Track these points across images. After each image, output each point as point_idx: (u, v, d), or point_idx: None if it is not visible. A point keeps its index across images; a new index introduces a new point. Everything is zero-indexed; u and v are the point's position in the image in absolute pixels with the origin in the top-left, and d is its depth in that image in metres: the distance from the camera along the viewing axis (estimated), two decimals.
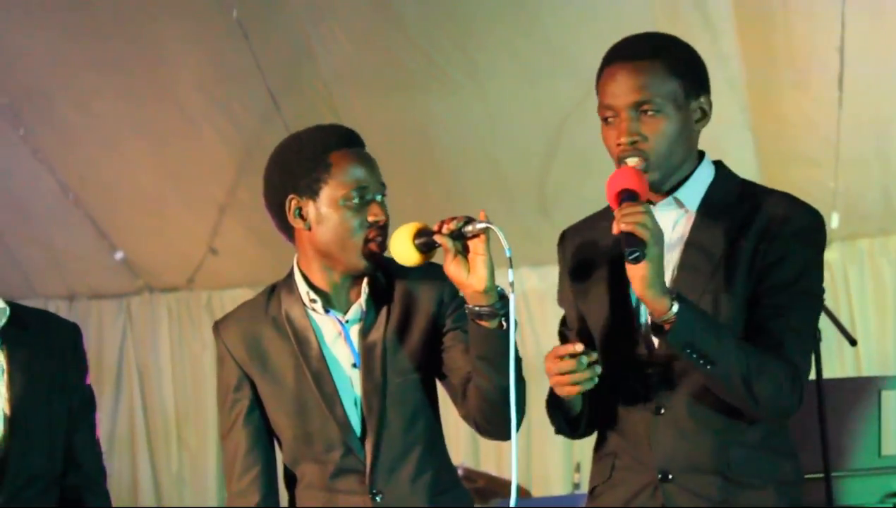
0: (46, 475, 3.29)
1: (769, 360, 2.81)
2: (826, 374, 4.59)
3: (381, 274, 3.12)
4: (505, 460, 6.74)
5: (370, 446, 3.09)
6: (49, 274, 7.35)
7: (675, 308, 2.75)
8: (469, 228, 2.87)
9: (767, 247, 2.86)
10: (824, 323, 4.63)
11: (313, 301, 3.12)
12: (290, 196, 3.11)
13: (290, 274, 3.18)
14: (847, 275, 7.07)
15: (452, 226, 2.88)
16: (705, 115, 2.94)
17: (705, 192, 2.94)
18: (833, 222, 6.82)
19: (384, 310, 3.12)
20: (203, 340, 7.76)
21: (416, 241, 2.91)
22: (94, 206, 7.23)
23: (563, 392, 2.85)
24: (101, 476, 3.43)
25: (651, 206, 2.90)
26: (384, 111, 6.21)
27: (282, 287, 3.19)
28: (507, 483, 6.30)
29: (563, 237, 3.16)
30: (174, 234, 7.43)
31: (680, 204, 2.94)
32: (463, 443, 6.95)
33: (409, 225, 2.93)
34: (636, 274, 2.74)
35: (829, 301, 4.77)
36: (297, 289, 3.14)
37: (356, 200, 3.07)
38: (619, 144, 2.89)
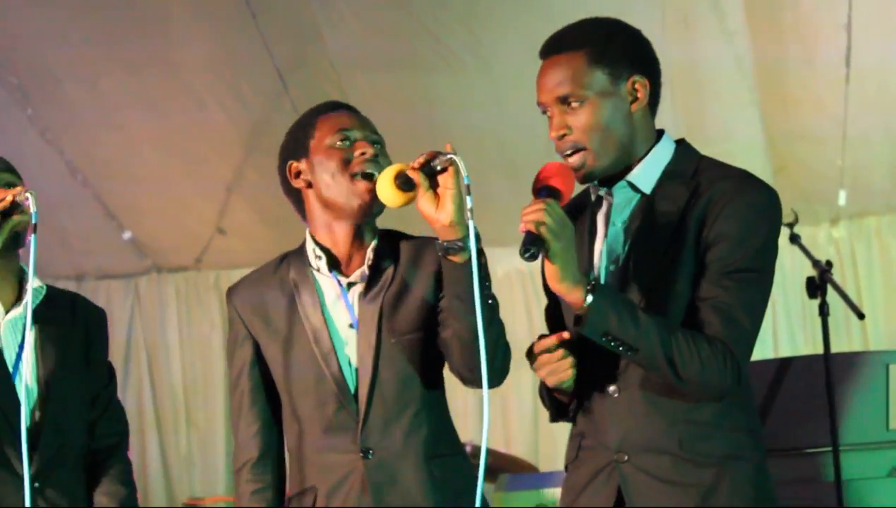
0: (75, 446, 3.41)
1: (697, 341, 2.83)
2: (833, 349, 4.62)
3: (388, 238, 3.20)
4: (513, 437, 6.84)
5: (363, 404, 3.13)
6: (57, 255, 7.36)
7: (589, 299, 2.80)
8: (436, 161, 2.91)
9: (712, 223, 2.88)
10: (832, 297, 4.67)
11: (318, 258, 3.20)
12: (289, 162, 3.23)
13: (303, 244, 3.26)
14: (854, 252, 7.15)
15: (422, 160, 2.92)
16: (641, 95, 2.96)
17: (661, 173, 2.96)
18: (840, 200, 6.87)
19: (388, 273, 3.18)
20: (211, 320, 7.85)
21: (396, 181, 2.95)
22: (102, 187, 7.27)
23: (555, 380, 2.92)
24: (124, 444, 3.56)
25: (607, 190, 2.99)
26: (390, 90, 6.24)
27: (293, 254, 3.28)
28: (514, 460, 6.40)
29: None
30: (182, 214, 7.49)
31: (634, 187, 2.97)
32: (471, 422, 6.98)
33: (391, 166, 3.00)
34: (547, 270, 2.81)
35: (836, 277, 4.80)
36: (306, 253, 3.22)
37: (343, 142, 3.17)
38: (553, 139, 2.97)
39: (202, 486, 7.66)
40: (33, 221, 3.10)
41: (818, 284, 4.64)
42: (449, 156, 2.90)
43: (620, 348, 2.82)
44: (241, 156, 7.00)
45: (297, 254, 3.27)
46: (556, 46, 3.00)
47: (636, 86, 2.96)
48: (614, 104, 2.94)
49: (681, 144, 3.02)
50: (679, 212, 2.90)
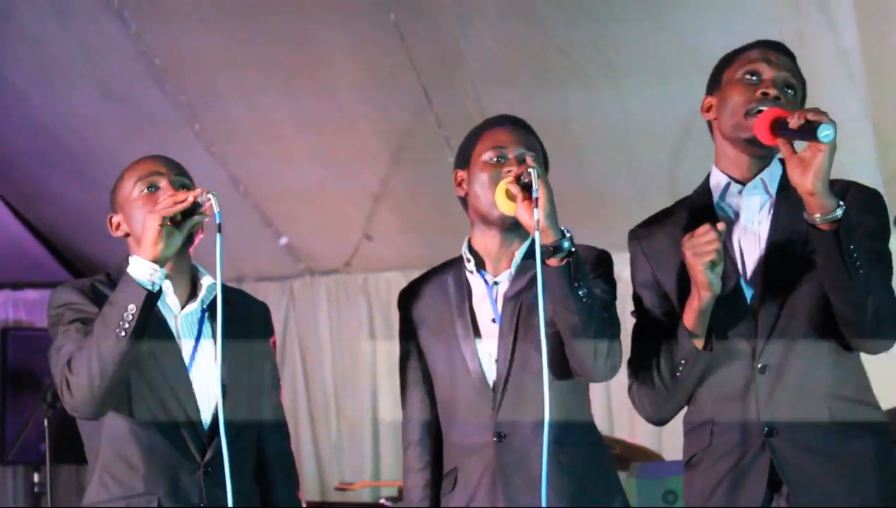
0: (246, 435, 3.52)
1: (885, 291, 2.99)
2: None
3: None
4: (638, 427, 6.86)
5: (498, 393, 3.36)
6: None
7: (841, 209, 2.89)
8: (523, 175, 3.15)
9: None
10: None
11: (468, 261, 3.46)
12: (455, 170, 3.52)
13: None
14: None
15: (514, 174, 3.19)
16: None
17: (780, 178, 3.21)
18: None
19: (531, 274, 3.33)
20: (359, 319, 8.06)
21: (507, 193, 3.22)
22: (260, 196, 7.50)
23: (705, 258, 3.01)
24: (285, 436, 3.70)
25: (740, 187, 3.21)
26: (525, 105, 6.11)
27: (456, 258, 3.56)
28: (641, 450, 6.49)
29: (635, 235, 3.39)
30: (332, 222, 7.70)
31: (766, 187, 3.21)
32: (597, 413, 6.90)
33: (504, 180, 3.25)
34: (816, 165, 2.85)
35: None
36: (463, 254, 3.50)
37: (495, 159, 3.41)
38: (765, 94, 3.13)
39: (351, 472, 7.87)
40: (217, 221, 3.20)
41: None
42: (528, 169, 3.14)
43: (858, 263, 2.88)
44: (388, 168, 7.19)
45: (458, 258, 3.52)
46: (781, 47, 3.24)
47: None
48: None
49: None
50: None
